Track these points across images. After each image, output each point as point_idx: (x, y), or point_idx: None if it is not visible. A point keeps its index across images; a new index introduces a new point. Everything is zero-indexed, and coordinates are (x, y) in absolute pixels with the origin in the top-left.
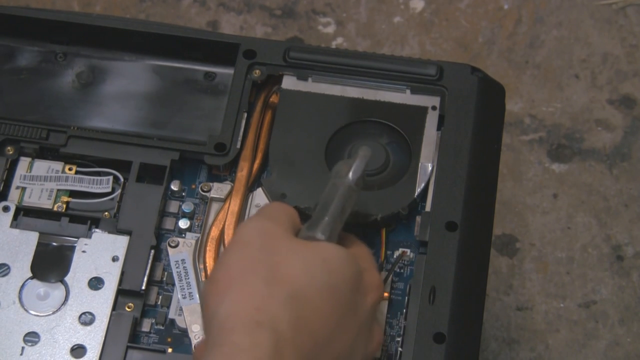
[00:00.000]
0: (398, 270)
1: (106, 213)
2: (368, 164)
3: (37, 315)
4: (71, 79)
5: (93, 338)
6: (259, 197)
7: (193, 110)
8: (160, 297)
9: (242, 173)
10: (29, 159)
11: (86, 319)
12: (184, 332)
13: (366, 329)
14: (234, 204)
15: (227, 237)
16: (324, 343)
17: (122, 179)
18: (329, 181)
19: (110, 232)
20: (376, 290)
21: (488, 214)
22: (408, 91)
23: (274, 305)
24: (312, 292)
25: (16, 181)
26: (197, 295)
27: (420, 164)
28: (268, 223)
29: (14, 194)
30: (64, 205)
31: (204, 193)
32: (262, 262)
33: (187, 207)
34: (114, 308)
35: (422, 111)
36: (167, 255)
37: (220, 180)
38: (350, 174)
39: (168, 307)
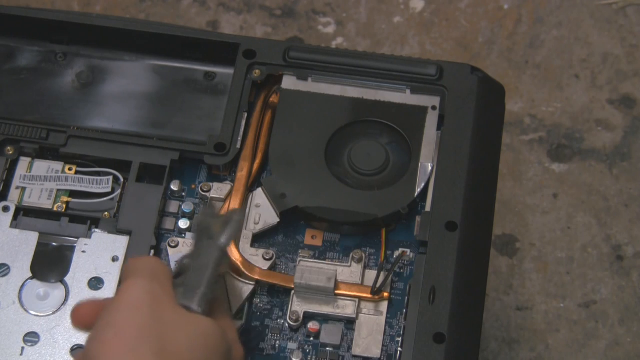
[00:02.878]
0: (398, 270)
1: (106, 213)
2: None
3: (37, 316)
4: (71, 79)
5: None
6: (259, 197)
7: (193, 110)
8: None
9: (242, 173)
10: (29, 159)
11: None
12: None
13: None
14: (234, 204)
15: None
16: None
17: (122, 179)
18: (197, 236)
19: (110, 232)
20: None
21: (488, 214)
22: (408, 91)
23: None
24: None
25: (16, 181)
26: None
27: (420, 164)
28: (155, 286)
29: (14, 194)
30: (64, 205)
31: (204, 193)
32: (152, 333)
33: (187, 207)
34: None
35: (422, 111)
36: (167, 255)
37: (220, 180)
38: (225, 239)
39: None
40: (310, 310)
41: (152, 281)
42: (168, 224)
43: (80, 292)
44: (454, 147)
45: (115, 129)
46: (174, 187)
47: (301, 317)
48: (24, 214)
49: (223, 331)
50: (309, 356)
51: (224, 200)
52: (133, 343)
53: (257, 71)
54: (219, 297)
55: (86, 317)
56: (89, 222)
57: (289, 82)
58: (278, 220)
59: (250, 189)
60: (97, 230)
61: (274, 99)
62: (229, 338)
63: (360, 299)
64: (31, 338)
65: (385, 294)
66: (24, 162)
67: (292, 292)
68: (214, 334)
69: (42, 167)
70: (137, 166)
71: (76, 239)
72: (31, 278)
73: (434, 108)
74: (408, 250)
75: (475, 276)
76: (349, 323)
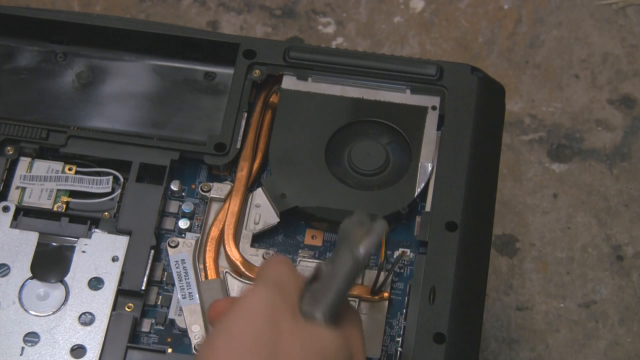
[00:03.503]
0: (398, 270)
1: (106, 213)
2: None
3: (37, 316)
4: (71, 79)
5: (93, 338)
6: (259, 197)
7: (193, 110)
8: (160, 297)
9: (242, 173)
10: (29, 159)
11: (86, 319)
12: (184, 332)
13: None
14: (234, 204)
15: (227, 237)
16: None
17: (122, 179)
18: (338, 241)
19: (110, 232)
20: None
21: (488, 214)
22: (408, 91)
23: None
24: None
25: (16, 181)
26: (197, 296)
27: (420, 164)
28: (277, 296)
29: (14, 194)
30: (64, 205)
31: (203, 193)
32: (265, 342)
33: (187, 207)
34: (114, 308)
35: (422, 111)
36: (167, 255)
37: (220, 180)
38: (363, 250)
39: (168, 307)
40: None
41: (275, 291)
42: (168, 224)
43: (80, 292)
44: (454, 147)
45: (115, 129)
46: (174, 187)
47: None
48: (24, 214)
49: (346, 343)
50: None
51: (224, 200)
52: (243, 351)
53: (257, 71)
54: (349, 307)
55: (221, 314)
56: (89, 222)
57: (289, 82)
58: (278, 220)
59: (250, 189)
60: (97, 230)
61: (274, 99)
62: (353, 350)
63: (360, 299)
64: (31, 338)
65: (385, 294)
66: (24, 162)
67: None
68: (332, 346)
69: (42, 167)
70: (137, 166)
71: (76, 239)
72: (31, 278)
73: (434, 108)
74: (408, 250)
75: (475, 276)
76: None
